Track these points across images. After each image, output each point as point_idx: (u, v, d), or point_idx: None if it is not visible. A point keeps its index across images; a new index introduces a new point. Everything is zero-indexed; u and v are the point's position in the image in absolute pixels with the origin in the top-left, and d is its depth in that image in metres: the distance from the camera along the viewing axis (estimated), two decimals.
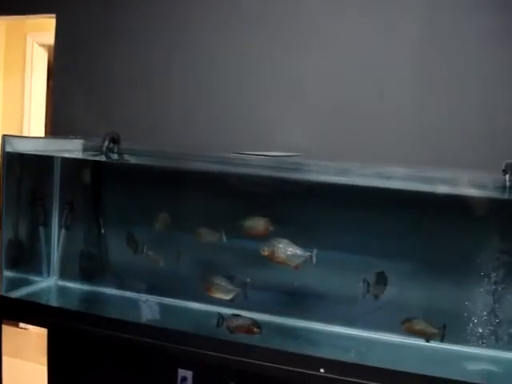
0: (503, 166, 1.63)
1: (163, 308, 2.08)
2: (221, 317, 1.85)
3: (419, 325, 1.79)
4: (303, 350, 1.73)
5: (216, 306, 2.04)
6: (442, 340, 1.76)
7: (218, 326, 1.85)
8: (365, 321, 1.92)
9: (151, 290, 2.10)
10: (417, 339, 1.85)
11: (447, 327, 1.74)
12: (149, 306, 2.10)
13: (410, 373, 1.61)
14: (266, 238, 1.84)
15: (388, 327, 1.89)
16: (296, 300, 2.00)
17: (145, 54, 2.28)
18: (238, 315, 1.87)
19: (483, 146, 1.91)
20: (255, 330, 1.83)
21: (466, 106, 1.95)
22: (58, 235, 2.21)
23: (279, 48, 2.11)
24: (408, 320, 1.79)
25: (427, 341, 1.80)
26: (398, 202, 1.81)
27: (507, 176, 1.61)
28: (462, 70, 1.95)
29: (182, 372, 2.09)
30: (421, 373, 1.61)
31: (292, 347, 1.75)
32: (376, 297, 1.85)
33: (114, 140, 1.97)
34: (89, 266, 2.20)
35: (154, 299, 2.10)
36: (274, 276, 1.98)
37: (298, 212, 1.94)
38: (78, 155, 2.04)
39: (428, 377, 1.60)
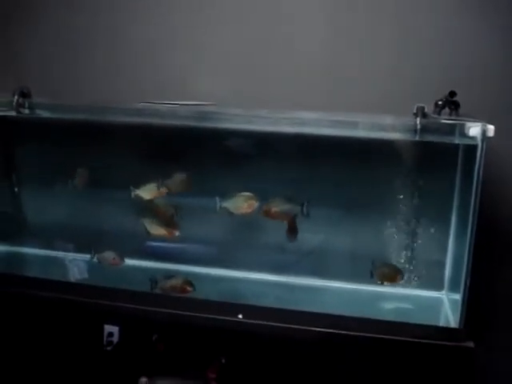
0: (414, 109, 1.67)
1: (91, 267, 2.04)
2: (154, 280, 1.86)
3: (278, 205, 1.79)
4: (223, 298, 1.76)
5: (147, 261, 2.03)
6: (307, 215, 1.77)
7: (151, 289, 1.86)
8: (288, 267, 1.96)
9: (75, 248, 2.07)
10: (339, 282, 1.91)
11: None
12: (74, 265, 2.07)
13: (324, 314, 1.66)
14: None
15: (312, 271, 1.94)
16: (223, 250, 2.02)
17: (52, 7, 2.18)
18: (171, 276, 1.88)
19: (394, 89, 1.93)
20: (188, 288, 1.85)
21: (376, 51, 1.96)
22: None
23: None
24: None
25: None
26: (313, 147, 1.84)
27: (418, 119, 1.65)
28: (372, 17, 1.94)
29: (108, 328, 2.07)
30: (335, 313, 1.66)
31: (213, 296, 1.78)
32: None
33: (24, 94, 1.90)
34: (4, 226, 2.13)
35: (80, 257, 2.06)
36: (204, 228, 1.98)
37: (214, 162, 1.93)
38: None
39: (339, 316, 1.66)
